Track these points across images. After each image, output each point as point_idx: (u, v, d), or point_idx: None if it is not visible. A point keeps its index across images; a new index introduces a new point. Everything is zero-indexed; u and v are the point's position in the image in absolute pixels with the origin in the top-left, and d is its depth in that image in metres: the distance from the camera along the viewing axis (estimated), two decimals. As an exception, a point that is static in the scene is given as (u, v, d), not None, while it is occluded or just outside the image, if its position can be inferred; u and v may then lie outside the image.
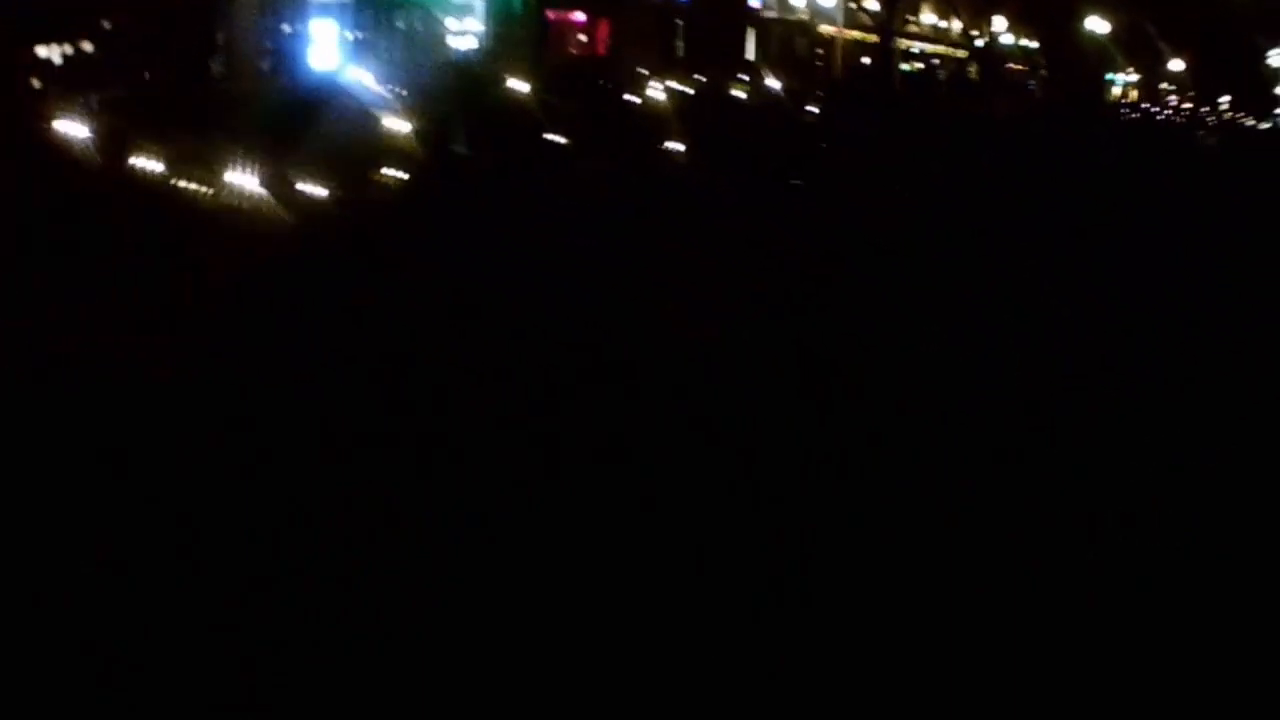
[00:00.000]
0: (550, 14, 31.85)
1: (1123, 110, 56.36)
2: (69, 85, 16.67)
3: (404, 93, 19.97)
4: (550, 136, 20.72)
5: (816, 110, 30.63)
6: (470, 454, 6.75)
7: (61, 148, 13.71)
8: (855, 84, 42.26)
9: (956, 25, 52.94)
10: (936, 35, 52.84)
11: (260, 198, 13.04)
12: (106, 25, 18.18)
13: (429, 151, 17.37)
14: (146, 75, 18.08)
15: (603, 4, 33.17)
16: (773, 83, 32.60)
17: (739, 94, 29.44)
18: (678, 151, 22.32)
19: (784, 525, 6.14)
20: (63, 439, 6.45)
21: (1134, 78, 61.50)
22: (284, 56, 22.27)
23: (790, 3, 44.59)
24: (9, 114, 15.19)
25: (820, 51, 45.99)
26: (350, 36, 24.46)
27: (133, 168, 13.15)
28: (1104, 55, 55.45)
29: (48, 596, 4.95)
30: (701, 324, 9.55)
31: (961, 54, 53.76)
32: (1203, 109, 56.93)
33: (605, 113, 23.22)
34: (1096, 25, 53.12)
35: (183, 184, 13.06)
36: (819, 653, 4.95)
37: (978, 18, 52.97)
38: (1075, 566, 5.93)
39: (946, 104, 41.67)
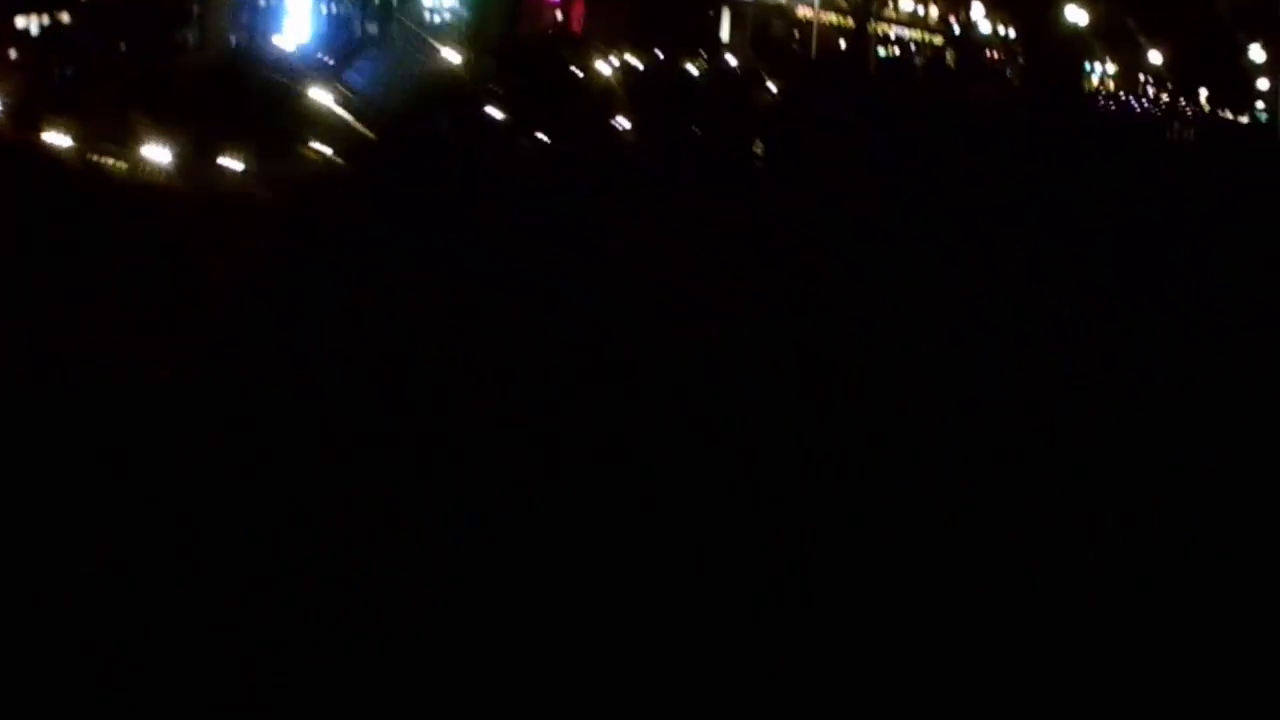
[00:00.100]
0: None
1: (1100, 101, 56.20)
2: (37, 58, 16.38)
3: (335, 63, 19.15)
4: (491, 112, 19.80)
5: (775, 90, 29.80)
6: (470, 454, 6.74)
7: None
8: (828, 67, 41.94)
9: (935, 11, 52.79)
10: (914, 20, 52.64)
11: (171, 173, 12.76)
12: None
13: (353, 126, 16.40)
14: (122, 46, 17.63)
15: None
16: (731, 61, 31.85)
17: (693, 71, 28.66)
18: (622, 129, 21.65)
19: (784, 525, 6.14)
20: (63, 439, 6.44)
21: (1112, 69, 61.32)
22: (253, 30, 21.72)
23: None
24: None
25: (797, 35, 45.78)
26: (325, 10, 24.03)
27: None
28: (1082, 45, 55.30)
29: (48, 596, 4.95)
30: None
31: (939, 40, 53.60)
32: (1181, 101, 56.83)
33: (549, 89, 22.48)
34: (1075, 15, 52.95)
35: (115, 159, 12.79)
36: (819, 653, 4.95)
37: (956, 4, 52.85)
38: (1075, 566, 5.93)
39: (922, 90, 41.44)
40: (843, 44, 46.63)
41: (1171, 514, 6.62)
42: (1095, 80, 60.99)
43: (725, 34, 40.22)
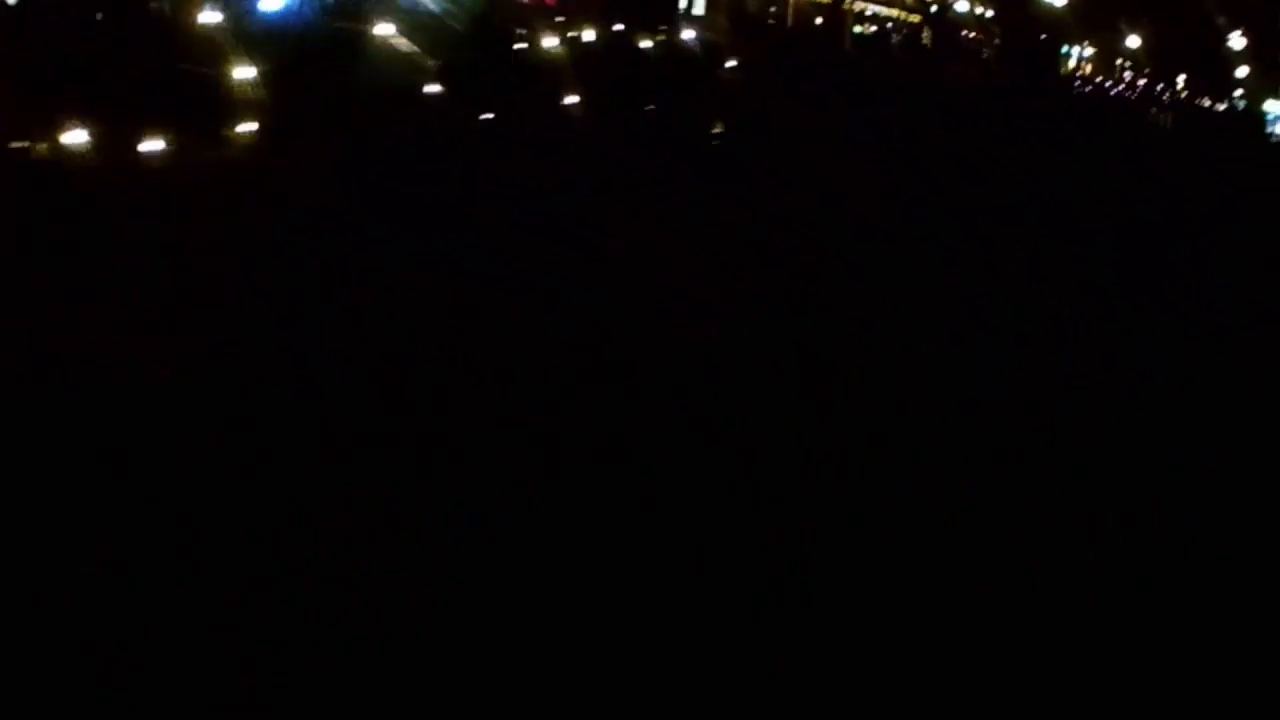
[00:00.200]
0: None
1: (1075, 83, 56.01)
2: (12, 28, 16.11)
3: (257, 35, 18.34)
4: (430, 89, 18.64)
5: (734, 65, 28.67)
6: (470, 454, 6.74)
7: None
8: (801, 43, 41.52)
9: None
10: None
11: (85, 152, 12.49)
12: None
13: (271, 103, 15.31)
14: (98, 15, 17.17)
15: None
16: (688, 35, 30.82)
17: (647, 45, 26.51)
18: (565, 105, 20.72)
19: (784, 525, 6.14)
20: (63, 439, 6.44)
21: (1090, 52, 61.08)
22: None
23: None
24: None
25: (773, 10, 45.51)
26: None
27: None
28: (1060, 27, 55.08)
29: (48, 596, 4.95)
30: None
31: (915, 19, 53.36)
32: (1158, 87, 56.67)
33: (490, 65, 20.73)
34: None
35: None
36: (818, 652, 4.95)
37: (933, -18, 52.61)
38: (1075, 566, 5.93)
39: (898, 67, 41.18)
40: (819, 21, 46.30)
41: (1172, 514, 6.62)
42: (1072, 63, 60.78)
43: (700, 8, 39.86)
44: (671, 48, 27.53)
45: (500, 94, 19.29)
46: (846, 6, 46.74)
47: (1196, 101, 55.89)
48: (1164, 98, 53.76)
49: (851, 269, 12.79)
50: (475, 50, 20.61)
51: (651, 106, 22.07)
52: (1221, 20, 49.91)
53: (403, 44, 19.54)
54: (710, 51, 28.85)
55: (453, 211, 13.13)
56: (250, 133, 14.61)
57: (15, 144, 12.25)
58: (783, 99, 25.56)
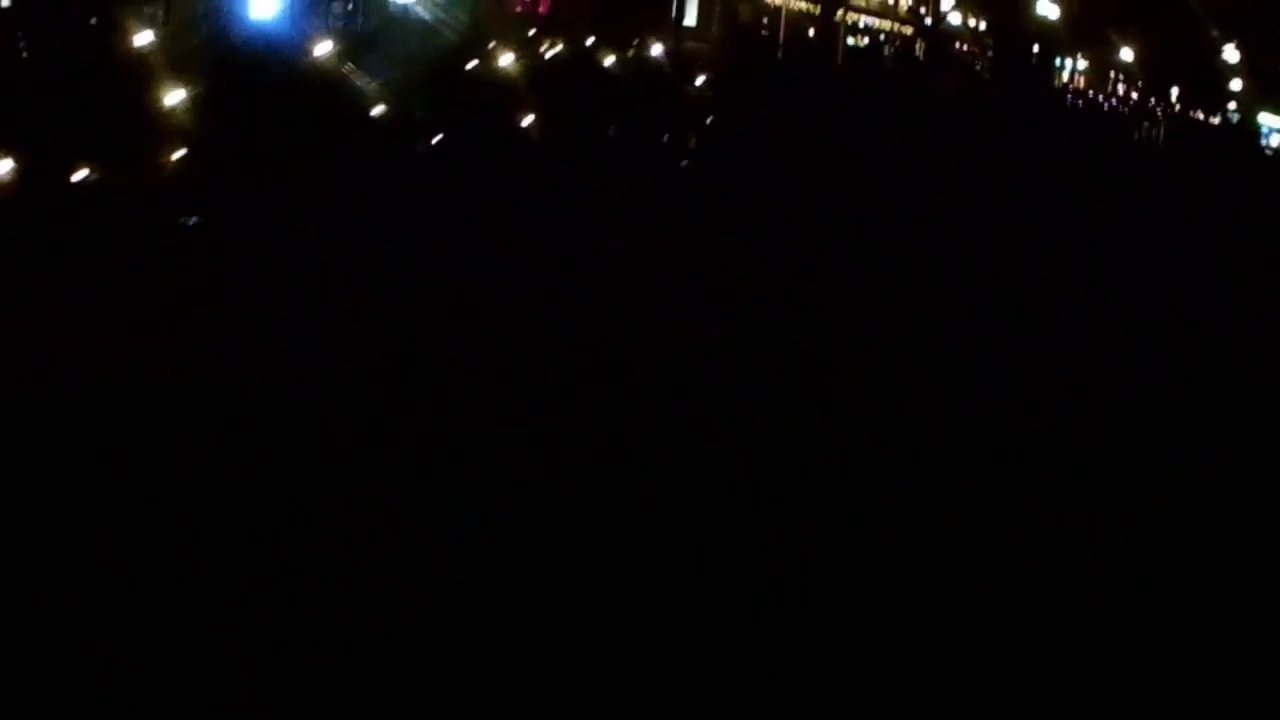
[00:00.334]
0: None
1: (1068, 96, 55.94)
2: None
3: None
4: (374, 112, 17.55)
5: (703, 82, 26.73)
6: (470, 454, 6.74)
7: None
8: (793, 55, 41.33)
9: (905, 2, 52.60)
10: (884, 10, 52.42)
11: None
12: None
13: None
14: (92, 21, 16.88)
15: None
16: (657, 51, 29.47)
17: (609, 62, 24.96)
18: (515, 128, 19.34)
19: (784, 525, 6.14)
20: (63, 439, 6.44)
21: (1083, 64, 61.03)
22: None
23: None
24: None
25: (765, 21, 45.45)
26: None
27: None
28: (1053, 39, 55.08)
29: (48, 596, 4.95)
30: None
31: (908, 31, 53.38)
32: (1152, 100, 56.54)
33: (439, 85, 19.35)
34: (1046, 9, 52.72)
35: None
36: (818, 652, 4.95)
37: (926, -5, 52.57)
38: (1075, 566, 5.93)
39: (890, 80, 41.09)
40: (811, 32, 46.21)
41: (1172, 514, 6.62)
42: (1066, 76, 60.74)
43: (691, 19, 39.66)
44: (641, 64, 26.39)
45: (452, 115, 18.27)
46: (839, 18, 46.71)
47: (1191, 114, 55.79)
48: (1158, 111, 53.65)
49: (851, 271, 12.81)
50: (428, 69, 19.65)
51: (614, 126, 21.03)
52: (1215, 33, 49.84)
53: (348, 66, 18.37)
54: (683, 66, 27.76)
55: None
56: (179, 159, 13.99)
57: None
58: (768, 111, 24.98)
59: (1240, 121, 53.00)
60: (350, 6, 24.02)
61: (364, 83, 17.79)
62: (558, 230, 12.97)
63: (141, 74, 14.83)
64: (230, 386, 7.38)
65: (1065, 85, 59.18)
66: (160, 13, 18.28)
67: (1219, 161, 34.27)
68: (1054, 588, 5.67)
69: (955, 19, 54.15)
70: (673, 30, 33.21)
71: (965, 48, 55.76)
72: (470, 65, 21.03)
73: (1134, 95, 58.62)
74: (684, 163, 19.53)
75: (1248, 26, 48.68)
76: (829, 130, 23.23)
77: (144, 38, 15.94)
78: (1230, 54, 52.03)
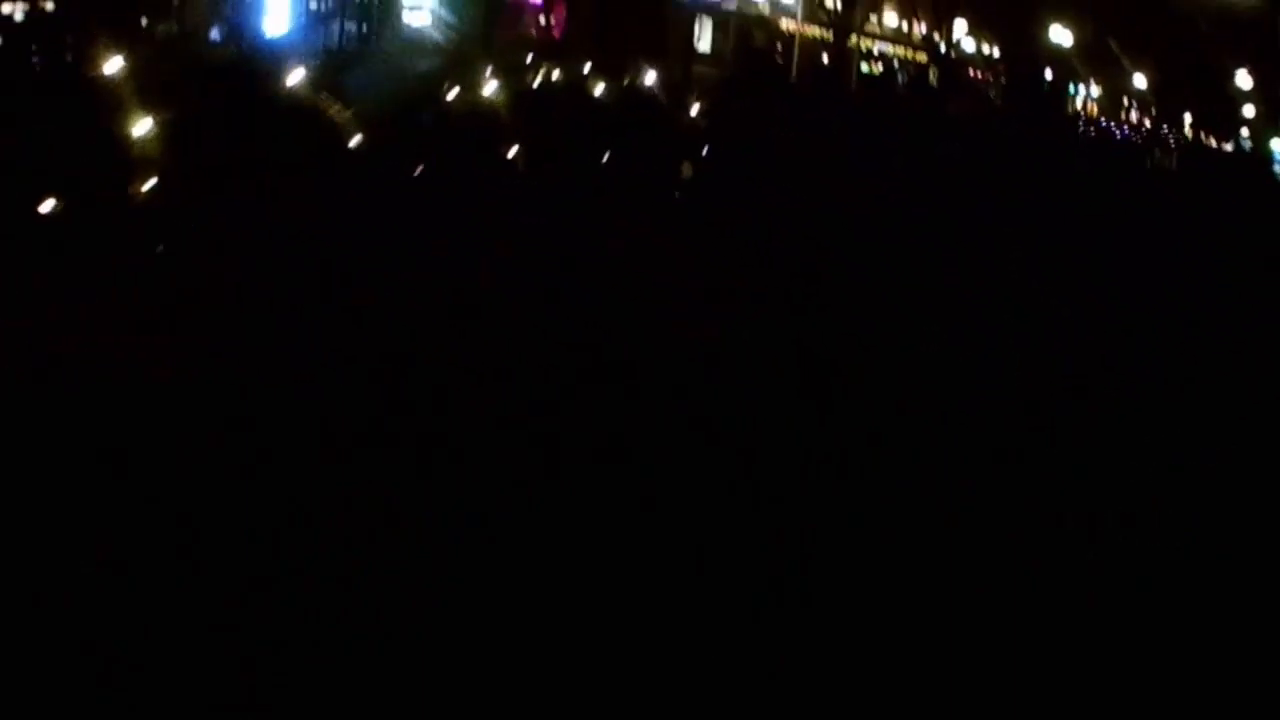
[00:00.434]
0: None
1: (1080, 123, 55.80)
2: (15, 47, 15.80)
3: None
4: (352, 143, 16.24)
5: (696, 112, 25.33)
6: (470, 454, 6.74)
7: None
8: (808, 80, 41.40)
9: (919, 28, 52.70)
10: (897, 37, 52.54)
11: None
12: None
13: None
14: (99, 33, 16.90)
15: None
16: (649, 79, 28.70)
17: (599, 90, 23.63)
18: (492, 162, 18.04)
19: (784, 525, 6.14)
20: (63, 439, 6.44)
21: (1096, 91, 61.08)
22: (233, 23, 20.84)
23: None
24: None
25: (779, 47, 45.52)
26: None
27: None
28: (1066, 67, 55.14)
29: (48, 596, 4.95)
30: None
31: (922, 57, 53.47)
32: (1164, 127, 56.40)
33: (419, 117, 18.53)
34: (1060, 36, 52.82)
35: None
36: (818, 653, 4.95)
37: (940, 22, 52.67)
38: (1075, 566, 5.93)
39: (902, 105, 41.10)
40: (825, 58, 46.29)
41: (1172, 514, 6.62)
42: (1079, 102, 60.80)
43: (706, 45, 39.74)
44: (625, 93, 25.47)
45: (434, 145, 17.54)
46: (853, 45, 46.78)
47: (1203, 141, 55.71)
48: (1170, 139, 53.52)
49: (852, 274, 12.81)
50: (434, 88, 19.14)
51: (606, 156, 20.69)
52: (1227, 59, 49.86)
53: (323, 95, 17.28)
54: (678, 95, 27.04)
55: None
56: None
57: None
58: (777, 132, 24.61)
59: (1252, 149, 52.99)
60: (364, 28, 24.14)
61: (369, 99, 17.56)
62: (557, 230, 12.96)
63: (149, 92, 14.81)
64: (230, 386, 7.38)
65: (1078, 112, 59.26)
66: (174, 25, 18.36)
67: (1231, 187, 34.17)
68: (1054, 588, 5.67)
69: (969, 45, 54.27)
70: (685, 56, 33.17)
71: (979, 74, 55.88)
72: (467, 92, 20.52)
73: (1146, 122, 58.65)
74: (676, 194, 19.29)
75: (1260, 53, 48.68)
76: (837, 149, 23.17)
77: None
78: (1243, 80, 52.06)
